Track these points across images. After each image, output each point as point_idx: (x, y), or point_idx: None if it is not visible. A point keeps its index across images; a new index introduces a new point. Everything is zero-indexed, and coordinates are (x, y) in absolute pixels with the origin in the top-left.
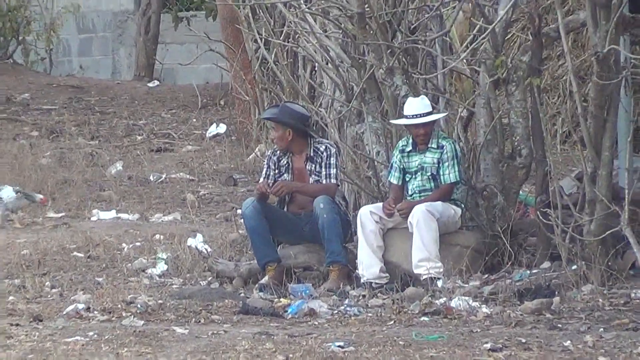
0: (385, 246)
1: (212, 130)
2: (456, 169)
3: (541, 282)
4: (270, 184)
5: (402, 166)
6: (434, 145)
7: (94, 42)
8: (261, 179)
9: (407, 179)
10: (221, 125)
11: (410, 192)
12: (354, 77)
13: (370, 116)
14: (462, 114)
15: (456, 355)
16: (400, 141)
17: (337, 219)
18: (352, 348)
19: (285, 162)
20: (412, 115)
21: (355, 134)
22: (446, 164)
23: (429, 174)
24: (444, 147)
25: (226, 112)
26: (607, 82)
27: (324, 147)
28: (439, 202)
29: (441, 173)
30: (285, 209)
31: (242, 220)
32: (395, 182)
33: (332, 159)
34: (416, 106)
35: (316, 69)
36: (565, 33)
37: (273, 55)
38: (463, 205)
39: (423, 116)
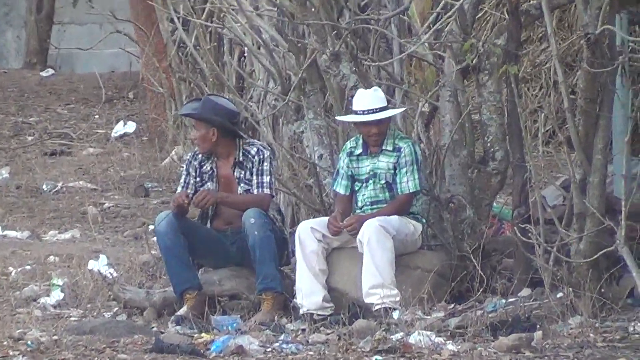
0: (330, 270)
1: (119, 129)
2: (415, 176)
3: (519, 314)
4: (190, 195)
5: (350, 172)
6: (389, 148)
7: None
8: (179, 189)
9: (357, 188)
10: (130, 123)
11: (360, 204)
12: (292, 64)
13: (311, 112)
14: (423, 109)
15: None
16: (348, 142)
17: (271, 237)
18: None
19: (208, 168)
20: (363, 111)
21: (293, 133)
22: (404, 170)
23: (382, 182)
24: (401, 150)
25: (136, 107)
26: (599, 70)
27: (255, 149)
28: (395, 217)
29: (398, 181)
30: (208, 225)
31: (155, 239)
32: (342, 191)
33: (265, 164)
34: (367, 100)
35: (245, 54)
36: (549, 10)
37: (193, 38)
38: (424, 220)
39: (376, 112)
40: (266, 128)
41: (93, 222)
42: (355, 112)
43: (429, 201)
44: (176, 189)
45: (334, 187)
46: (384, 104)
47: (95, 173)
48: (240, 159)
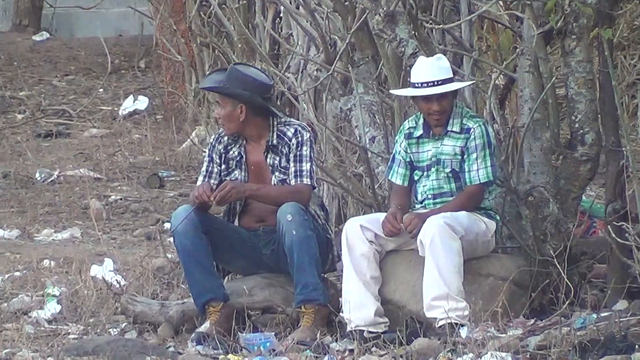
0: (384, 278)
1: (128, 105)
2: (488, 163)
3: (614, 331)
4: (214, 186)
5: (408, 159)
6: (456, 129)
7: None
8: (200, 178)
9: (416, 178)
10: (141, 98)
11: (420, 197)
12: (337, 27)
13: (361, 85)
14: (497, 82)
15: None
16: (406, 122)
17: (312, 237)
18: None
19: (236, 153)
20: (422, 84)
21: (339, 111)
22: (473, 155)
23: (447, 170)
24: (471, 131)
25: (148, 79)
26: None
27: (292, 130)
28: (463, 213)
29: (466, 169)
30: (236, 223)
31: (171, 239)
32: (398, 182)
33: (304, 148)
34: (429, 70)
35: (282, 15)
36: None
37: None
38: (498, 217)
39: (438, 84)
40: (306, 104)
41: (96, 219)
42: (414, 85)
43: (504, 194)
44: (197, 179)
45: (389, 177)
46: (449, 75)
47: (99, 159)
48: (275, 142)
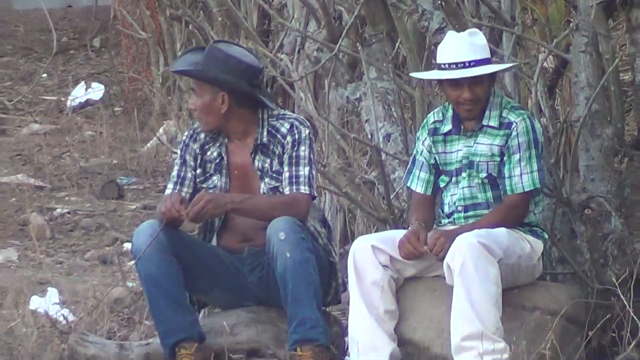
0: (401, 312)
1: (79, 95)
2: (534, 166)
3: None
4: (187, 197)
5: (433, 160)
6: (494, 123)
7: None
8: (169, 187)
9: (443, 185)
10: (95, 85)
11: (447, 209)
12: None
13: (373, 69)
14: (545, 65)
15: None
16: (430, 115)
17: (311, 261)
18: None
19: (215, 154)
20: (452, 65)
21: (345, 102)
22: (516, 157)
23: (482, 175)
24: (512, 126)
25: (105, 61)
26: None
27: (287, 126)
28: (502, 230)
29: (507, 174)
30: (214, 242)
31: (133, 264)
32: (420, 190)
33: (302, 148)
34: (459, 48)
35: None
36: None
37: None
38: (547, 236)
39: (470, 66)
40: (304, 93)
41: (38, 238)
42: (440, 67)
43: (554, 206)
44: (166, 188)
45: (408, 184)
46: (485, 55)
47: (41, 162)
48: (265, 140)
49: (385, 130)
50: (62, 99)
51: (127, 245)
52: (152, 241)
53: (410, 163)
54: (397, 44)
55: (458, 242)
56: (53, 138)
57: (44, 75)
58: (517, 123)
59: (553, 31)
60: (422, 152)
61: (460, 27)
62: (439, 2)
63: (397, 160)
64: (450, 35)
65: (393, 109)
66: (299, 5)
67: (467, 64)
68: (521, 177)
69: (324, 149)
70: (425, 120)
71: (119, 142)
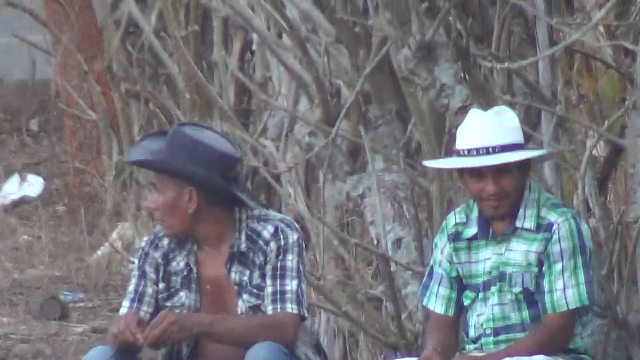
0: None
1: (11, 190)
2: (581, 278)
3: None
4: (147, 318)
5: (455, 273)
6: (530, 225)
7: None
8: (125, 305)
9: (467, 303)
10: (31, 179)
11: (474, 333)
12: (342, 66)
13: (380, 158)
14: (594, 153)
15: None
16: (451, 215)
17: None
18: None
19: (181, 264)
20: (472, 150)
21: (345, 199)
22: (558, 266)
23: (517, 290)
24: (554, 229)
25: (44, 148)
26: None
27: (271, 229)
28: (541, 358)
29: (547, 288)
30: None
31: None
32: (439, 309)
33: (289, 257)
34: (483, 130)
35: (254, 47)
36: None
37: (154, 17)
38: None
39: (497, 151)
40: (293, 188)
41: None
42: (459, 153)
43: (606, 328)
44: (120, 306)
45: (425, 302)
46: (515, 139)
47: None
48: (243, 247)
49: (394, 234)
50: None
51: None
52: None
53: (426, 276)
54: (409, 127)
55: None
56: None
57: None
58: (559, 224)
59: (604, 111)
60: (440, 262)
61: (487, 105)
62: (462, 74)
63: (410, 272)
64: (473, 114)
65: (405, 208)
66: (287, 78)
67: (490, 150)
68: (564, 291)
69: (319, 258)
70: (444, 223)
71: (61, 249)
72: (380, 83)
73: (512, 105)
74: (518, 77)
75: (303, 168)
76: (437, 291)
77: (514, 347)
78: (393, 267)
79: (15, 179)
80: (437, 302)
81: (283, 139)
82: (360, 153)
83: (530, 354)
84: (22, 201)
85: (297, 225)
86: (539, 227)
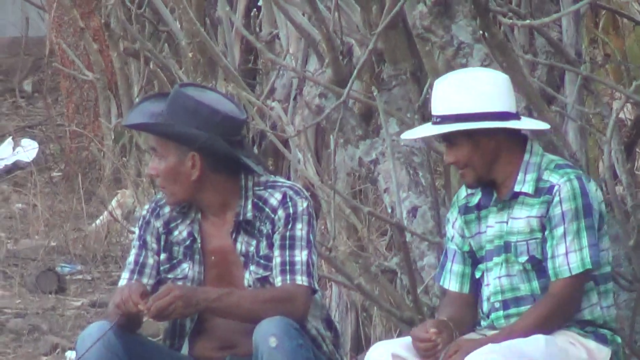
0: None
1: (5, 155)
2: (584, 241)
3: None
4: (148, 290)
5: (467, 247)
6: (528, 189)
7: None
8: (124, 276)
9: (479, 275)
10: (26, 143)
11: (486, 307)
12: (354, 22)
13: (394, 121)
14: (621, 116)
15: None
16: (462, 188)
17: None
18: None
19: (184, 234)
20: (433, 118)
21: (357, 165)
22: (559, 230)
23: (523, 259)
24: (555, 190)
25: (39, 110)
26: None
27: (279, 196)
28: (537, 340)
29: (549, 253)
30: (184, 351)
31: None
32: (453, 287)
33: (299, 226)
34: (436, 96)
35: (261, 2)
36: None
37: None
38: (620, 340)
39: (439, 122)
40: (302, 153)
41: None
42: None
43: (634, 303)
44: (120, 278)
45: (441, 282)
46: (474, 107)
47: None
48: (249, 215)
49: (410, 202)
50: None
51: (71, 354)
52: (98, 342)
53: (443, 256)
54: (425, 88)
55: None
56: None
57: None
58: (559, 186)
59: (632, 71)
60: (453, 237)
61: (508, 66)
62: (480, 32)
63: (426, 243)
64: (443, 78)
65: (420, 174)
66: (296, 36)
67: (436, 119)
68: (567, 256)
69: (329, 228)
70: (455, 196)
71: (58, 218)
72: (395, 41)
73: (534, 64)
74: (540, 35)
75: (313, 132)
76: (451, 268)
77: (516, 326)
78: (408, 237)
79: (8, 143)
80: (451, 280)
81: (291, 101)
82: (374, 116)
83: (534, 331)
84: (16, 167)
85: (306, 192)
86: (540, 191)
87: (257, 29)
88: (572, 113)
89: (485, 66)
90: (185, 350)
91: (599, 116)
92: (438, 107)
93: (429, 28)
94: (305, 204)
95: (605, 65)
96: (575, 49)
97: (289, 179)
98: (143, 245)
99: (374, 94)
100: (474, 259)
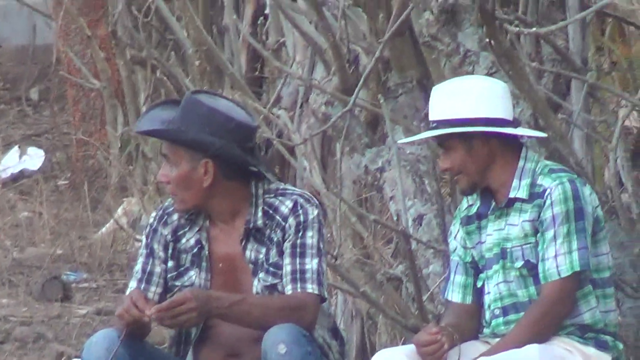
0: None
1: (10, 163)
2: (574, 244)
3: None
4: (156, 299)
5: (469, 258)
6: (523, 194)
7: None
8: (131, 285)
9: (480, 284)
10: (32, 151)
11: (487, 315)
12: (361, 31)
13: (400, 129)
14: (627, 123)
15: None
16: (463, 200)
17: None
18: None
19: (192, 241)
20: (430, 123)
21: (363, 172)
22: (550, 232)
23: (518, 264)
24: (547, 194)
25: (45, 118)
26: None
27: (290, 204)
28: (530, 350)
29: (540, 257)
30: (189, 359)
31: None
32: (457, 298)
33: (309, 234)
34: (437, 100)
35: (267, 11)
36: None
37: None
38: (621, 346)
39: (434, 127)
40: (309, 161)
41: None
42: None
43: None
44: (126, 287)
45: (445, 295)
46: (466, 113)
47: None
48: (259, 223)
49: (415, 210)
50: None
51: None
52: (105, 352)
53: (448, 270)
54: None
55: None
56: None
57: None
58: (551, 189)
59: (638, 79)
60: (455, 249)
61: (515, 74)
62: (487, 40)
63: (432, 250)
64: (443, 84)
65: (426, 182)
66: (302, 44)
67: (432, 125)
68: (556, 259)
69: (335, 236)
70: (458, 208)
71: (64, 226)
72: (401, 49)
73: (540, 72)
74: (547, 43)
75: (319, 140)
76: (453, 279)
77: (510, 335)
78: (414, 245)
79: (14, 151)
80: (453, 291)
81: (298, 109)
82: (380, 124)
83: (528, 337)
84: (22, 175)
85: (315, 199)
86: (533, 195)
87: (264, 37)
88: (578, 121)
89: (492, 74)
90: (189, 358)
91: (605, 124)
92: (434, 112)
93: (436, 36)
94: (316, 212)
95: (612, 73)
96: (581, 56)
97: (295, 187)
98: (150, 253)
99: (380, 101)
100: (476, 269)
